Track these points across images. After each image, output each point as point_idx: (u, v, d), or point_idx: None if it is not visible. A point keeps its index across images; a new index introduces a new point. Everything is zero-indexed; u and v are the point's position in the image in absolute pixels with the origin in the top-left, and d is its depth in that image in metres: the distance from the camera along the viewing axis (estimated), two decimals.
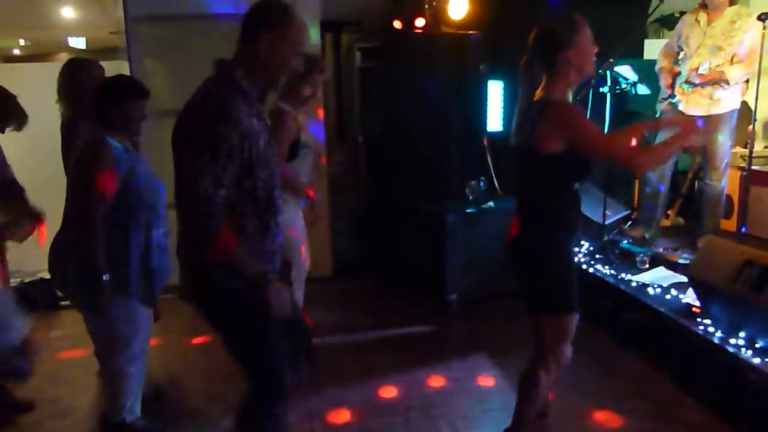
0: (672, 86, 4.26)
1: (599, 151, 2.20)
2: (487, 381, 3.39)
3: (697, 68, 4.08)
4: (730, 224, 4.46)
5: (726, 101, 4.08)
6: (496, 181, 4.89)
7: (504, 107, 5.05)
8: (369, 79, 5.26)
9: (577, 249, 4.43)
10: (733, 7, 4.07)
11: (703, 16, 4.14)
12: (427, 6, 4.87)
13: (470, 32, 4.80)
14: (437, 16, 4.88)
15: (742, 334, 2.90)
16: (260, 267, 1.86)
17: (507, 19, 5.15)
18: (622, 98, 4.59)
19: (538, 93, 2.25)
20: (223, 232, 1.75)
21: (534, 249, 2.29)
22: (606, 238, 4.35)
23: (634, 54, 5.74)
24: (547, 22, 2.24)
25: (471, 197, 4.62)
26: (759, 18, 3.68)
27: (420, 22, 4.88)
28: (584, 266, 4.17)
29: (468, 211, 4.48)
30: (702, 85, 4.08)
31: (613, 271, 4.01)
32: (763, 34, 3.67)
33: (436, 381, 3.38)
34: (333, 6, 5.01)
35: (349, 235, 5.32)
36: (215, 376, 3.42)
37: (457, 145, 4.79)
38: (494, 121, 5.01)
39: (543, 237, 2.28)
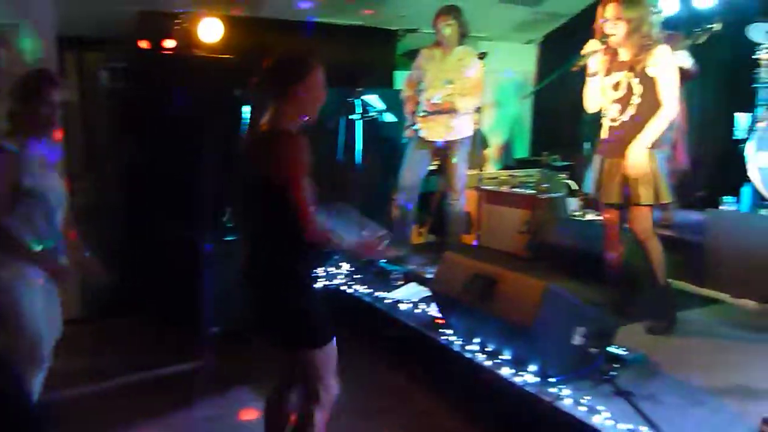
0: (414, 113, 4.64)
1: (295, 195, 2.09)
2: (250, 414, 3.30)
3: (433, 98, 4.50)
4: (470, 238, 4.96)
5: (460, 129, 4.55)
6: None
7: None
8: (118, 102, 4.90)
9: (337, 271, 4.56)
10: (462, 47, 4.56)
11: (438, 52, 4.59)
12: (176, 27, 4.68)
13: (224, 56, 4.72)
14: (188, 38, 4.71)
15: (476, 340, 3.20)
16: None
17: (264, 44, 5.18)
18: (372, 125, 4.87)
19: (264, 123, 2.22)
20: None
21: (273, 284, 2.22)
22: (363, 259, 4.54)
23: (385, 84, 6.16)
24: (283, 55, 2.27)
25: (229, 224, 4.51)
26: (479, 57, 4.25)
27: (169, 43, 4.67)
28: (343, 287, 4.30)
29: (227, 239, 4.37)
30: (438, 113, 4.50)
31: (370, 290, 4.19)
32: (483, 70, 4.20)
33: (197, 422, 3.20)
34: (74, 21, 4.58)
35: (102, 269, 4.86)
36: None
37: (213, 170, 4.64)
38: None
39: (279, 271, 2.22)
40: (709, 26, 4.06)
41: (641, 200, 3.21)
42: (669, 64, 3.16)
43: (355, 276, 4.46)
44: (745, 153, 4.04)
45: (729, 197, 4.33)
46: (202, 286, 4.16)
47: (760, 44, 4.27)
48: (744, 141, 4.17)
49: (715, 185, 5.30)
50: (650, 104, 3.19)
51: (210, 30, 4.63)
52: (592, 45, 3.32)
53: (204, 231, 4.38)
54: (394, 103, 4.92)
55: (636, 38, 3.16)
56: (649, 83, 3.19)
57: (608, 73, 3.34)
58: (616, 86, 3.30)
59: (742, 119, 4.35)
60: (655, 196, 3.20)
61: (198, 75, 4.59)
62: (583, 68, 3.37)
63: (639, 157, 3.17)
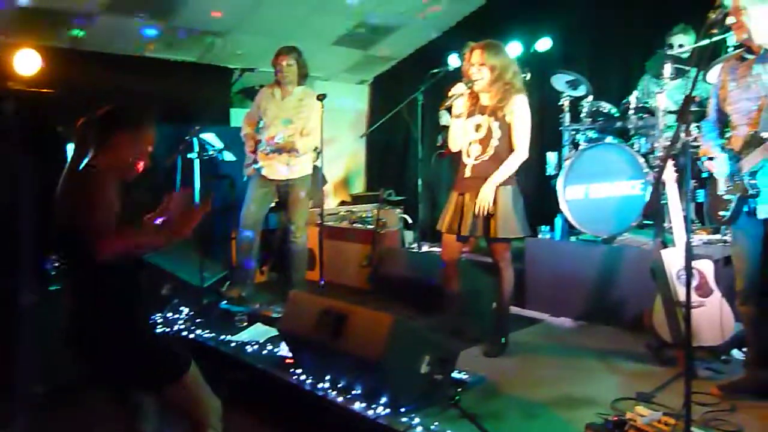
0: (255, 152, 4.62)
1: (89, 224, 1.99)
2: None
3: (274, 137, 4.52)
4: (314, 275, 5.00)
5: (300, 167, 4.61)
6: None
7: None
8: None
9: (177, 316, 4.35)
10: (301, 87, 4.66)
11: (278, 91, 4.63)
12: None
13: (43, 90, 4.37)
14: (2, 70, 4.31)
15: (327, 377, 3.22)
16: None
17: (92, 78, 4.87)
18: (212, 164, 4.77)
19: (82, 167, 2.12)
20: None
21: (105, 334, 2.10)
22: (205, 301, 4.39)
23: (221, 122, 6.07)
24: (119, 104, 2.20)
25: (53, 272, 4.13)
26: (318, 98, 4.37)
27: None
28: (185, 332, 4.10)
29: (51, 288, 3.99)
30: (279, 152, 4.53)
31: (213, 334, 4.04)
32: (322, 111, 4.32)
33: None
34: None
35: None
36: None
37: (30, 215, 4.23)
38: None
39: (110, 318, 2.11)
40: (523, 76, 4.56)
41: (498, 234, 3.48)
42: (525, 112, 3.48)
43: (196, 320, 4.27)
44: (556, 187, 4.54)
45: (544, 226, 4.83)
46: (19, 343, 3.75)
47: (562, 92, 4.87)
48: (555, 177, 4.70)
49: (533, 216, 5.88)
50: (506, 146, 3.50)
51: (26, 61, 4.27)
52: (458, 88, 3.55)
53: (22, 281, 3.96)
54: (232, 141, 4.87)
55: (499, 85, 3.45)
56: (506, 128, 3.49)
57: (470, 114, 3.59)
58: (477, 128, 3.56)
59: (551, 158, 4.89)
60: (510, 230, 3.50)
61: (14, 109, 4.20)
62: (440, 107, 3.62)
63: (488, 194, 3.46)
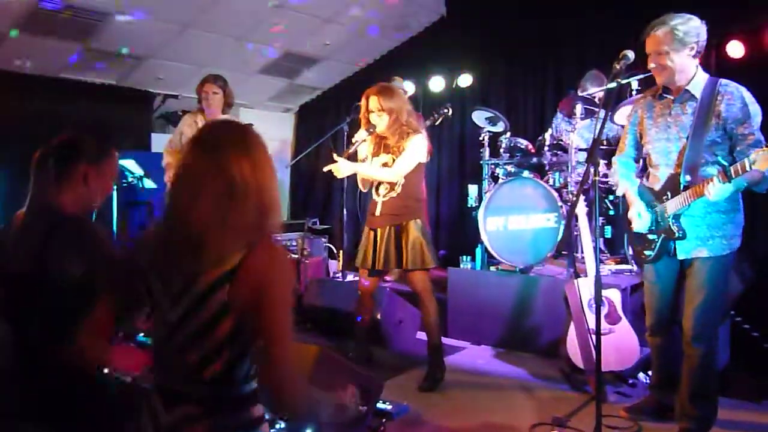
0: None
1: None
2: None
3: None
4: None
5: None
6: None
7: (4, 199, 4.48)
8: None
9: None
10: (226, 116, 4.61)
11: (201, 119, 4.56)
12: None
13: None
14: None
15: None
16: None
17: (5, 100, 4.67)
18: (131, 190, 4.64)
19: (47, 202, 1.97)
20: None
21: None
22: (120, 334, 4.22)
23: (142, 146, 5.92)
24: (81, 133, 2.06)
25: None
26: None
27: None
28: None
29: None
30: None
31: None
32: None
33: None
34: None
35: None
36: None
37: None
38: None
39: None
40: (444, 111, 4.72)
41: (409, 266, 3.55)
42: (416, 149, 3.54)
43: None
44: (477, 219, 4.70)
45: (466, 256, 4.98)
46: None
47: (482, 128, 5.07)
48: (476, 208, 4.87)
49: (455, 246, 6.05)
50: (413, 184, 3.58)
51: None
52: (361, 134, 3.65)
53: None
54: (153, 166, 4.76)
55: (396, 126, 3.53)
56: None
57: (376, 154, 3.67)
58: (384, 166, 3.64)
59: (472, 190, 5.07)
60: (422, 261, 3.56)
61: None
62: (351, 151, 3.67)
63: (343, 168, 3.57)
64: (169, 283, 1.43)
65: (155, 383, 1.50)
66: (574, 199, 2.93)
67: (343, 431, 2.86)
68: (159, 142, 6.04)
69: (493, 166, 5.02)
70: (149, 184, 4.54)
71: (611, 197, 4.65)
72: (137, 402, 1.79)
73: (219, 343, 1.39)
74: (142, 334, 4.28)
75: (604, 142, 4.53)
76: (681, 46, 2.72)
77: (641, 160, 3.13)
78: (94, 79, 5.71)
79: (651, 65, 2.81)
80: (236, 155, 1.43)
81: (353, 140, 3.68)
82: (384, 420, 3.04)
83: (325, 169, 3.64)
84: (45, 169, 2.00)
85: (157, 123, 6.38)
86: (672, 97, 2.87)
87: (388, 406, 3.22)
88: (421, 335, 3.89)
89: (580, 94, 4.71)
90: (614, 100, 3.76)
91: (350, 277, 5.52)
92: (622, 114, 4.30)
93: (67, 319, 1.70)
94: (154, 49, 5.61)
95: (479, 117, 5.11)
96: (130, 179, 4.37)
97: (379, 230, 3.63)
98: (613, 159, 3.16)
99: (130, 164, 4.41)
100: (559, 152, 4.72)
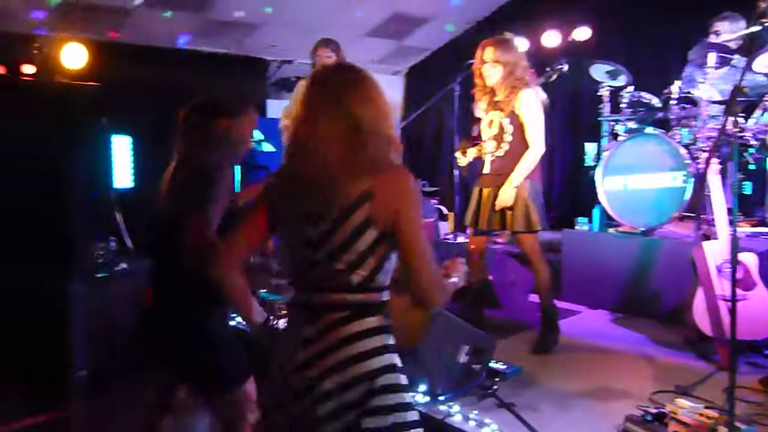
0: None
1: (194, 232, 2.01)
2: None
3: None
4: None
5: None
6: (128, 241, 4.61)
7: (134, 162, 4.84)
8: None
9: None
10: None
11: None
12: (35, 52, 4.39)
13: (90, 83, 4.49)
14: (49, 64, 4.44)
15: None
16: None
17: (132, 71, 4.99)
18: (250, 154, 4.84)
19: (194, 155, 2.17)
20: None
21: (181, 326, 2.15)
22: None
23: (258, 113, 6.14)
24: (218, 95, 2.27)
25: (100, 261, 4.26)
26: None
27: (28, 68, 4.37)
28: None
29: (97, 276, 4.11)
30: None
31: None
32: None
33: None
34: None
35: None
36: None
37: (77, 205, 4.36)
38: (123, 177, 4.76)
39: (188, 312, 2.14)
40: (559, 66, 4.51)
41: (516, 228, 3.48)
42: (534, 107, 3.44)
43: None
44: (595, 178, 4.50)
45: (582, 218, 4.80)
46: (68, 330, 3.89)
47: (601, 82, 4.81)
48: (593, 168, 4.66)
49: (570, 207, 5.85)
50: (520, 141, 3.47)
51: (73, 55, 4.40)
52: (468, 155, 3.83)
53: (70, 270, 4.10)
54: (269, 132, 4.94)
55: (510, 81, 3.43)
56: (517, 123, 3.47)
57: (486, 111, 3.60)
58: (490, 124, 3.56)
59: (590, 148, 4.85)
60: (528, 224, 3.46)
61: (60, 102, 4.33)
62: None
63: (509, 195, 3.44)
64: (308, 209, 1.57)
65: (297, 301, 1.65)
66: (707, 155, 2.73)
67: (455, 384, 2.91)
68: (274, 108, 6.25)
69: (613, 123, 4.76)
70: (267, 147, 4.73)
71: (750, 150, 4.23)
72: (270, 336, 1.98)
73: (363, 253, 1.54)
74: (264, 291, 4.54)
75: (745, 90, 4.12)
76: None
77: None
78: (211, 48, 5.98)
79: None
80: (357, 98, 1.58)
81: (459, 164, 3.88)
82: (497, 379, 3.05)
83: (498, 207, 3.50)
84: (190, 125, 2.19)
85: (272, 89, 6.59)
86: None
87: (501, 366, 3.23)
88: (535, 298, 3.82)
89: (712, 40, 4.33)
90: (758, 45, 3.40)
91: (461, 239, 5.50)
92: (763, 62, 3.92)
93: (203, 254, 1.86)
94: (266, 17, 5.76)
95: (598, 71, 4.84)
96: None
97: (485, 190, 3.58)
98: None
99: None
100: (687, 105, 4.38)
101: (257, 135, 4.62)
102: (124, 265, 4.27)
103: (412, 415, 1.60)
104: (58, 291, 3.91)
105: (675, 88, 4.40)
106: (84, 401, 3.82)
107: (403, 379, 1.61)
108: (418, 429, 1.61)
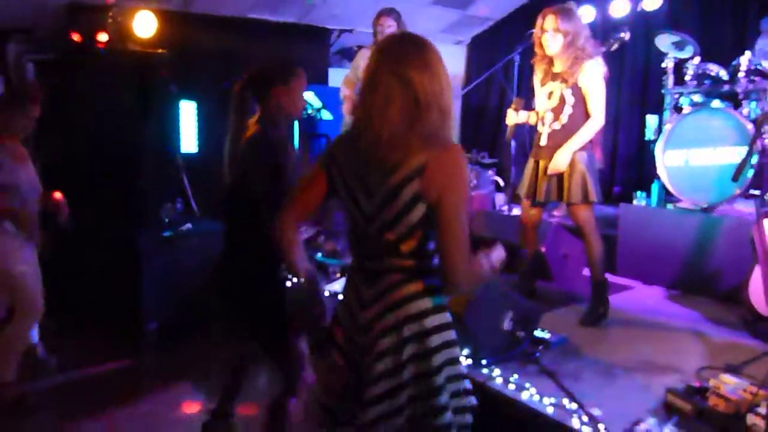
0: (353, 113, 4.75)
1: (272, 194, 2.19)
2: (192, 408, 3.36)
3: None
4: None
5: None
6: (193, 203, 4.85)
7: (199, 128, 5.05)
8: (48, 96, 4.76)
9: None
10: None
11: None
12: (110, 20, 4.62)
13: (159, 51, 4.70)
14: (121, 32, 4.66)
15: None
16: None
17: (198, 39, 5.17)
18: (310, 122, 4.97)
19: (252, 125, 2.38)
20: None
21: (248, 277, 2.38)
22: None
23: (319, 81, 6.25)
24: (268, 61, 2.45)
25: (167, 220, 4.51)
26: None
27: (102, 36, 4.60)
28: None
29: (164, 234, 4.36)
30: None
31: None
32: None
33: (138, 417, 3.22)
34: None
35: None
36: None
37: (148, 167, 4.62)
38: (189, 141, 4.98)
39: (254, 266, 2.37)
40: (621, 35, 4.39)
41: (571, 199, 3.44)
42: (597, 78, 3.38)
43: None
44: (655, 152, 4.40)
45: (640, 192, 4.70)
46: (139, 283, 4.16)
47: (666, 53, 4.65)
48: (654, 141, 4.54)
49: (629, 181, 5.73)
50: (581, 113, 3.42)
51: (144, 24, 4.60)
52: (511, 117, 3.74)
53: (141, 227, 4.36)
54: (330, 100, 5.04)
55: (571, 51, 3.36)
56: (579, 94, 3.41)
57: (543, 82, 3.55)
58: (549, 95, 3.51)
59: (651, 121, 4.71)
60: (584, 195, 3.43)
61: (132, 70, 4.56)
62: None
63: (563, 160, 3.40)
64: (364, 180, 1.67)
65: (356, 265, 1.78)
66: None
67: (498, 351, 2.97)
68: (335, 76, 6.32)
69: (677, 96, 4.60)
70: (327, 116, 4.84)
71: None
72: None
73: (412, 225, 1.65)
74: (321, 254, 4.70)
75: None
76: None
77: None
78: (276, 17, 6.09)
79: None
80: (417, 69, 1.62)
81: (506, 121, 3.75)
82: (541, 347, 3.09)
83: (550, 171, 3.48)
84: (244, 98, 2.39)
85: (334, 58, 6.67)
86: None
87: (546, 335, 3.26)
88: (588, 272, 3.80)
89: None
90: None
91: (516, 211, 5.49)
92: None
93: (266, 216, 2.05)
94: None
95: (664, 41, 4.68)
96: (309, 111, 4.69)
97: (542, 162, 3.55)
98: None
99: (309, 96, 4.72)
100: (757, 78, 4.19)
101: (316, 103, 4.72)
102: (189, 226, 4.50)
103: (460, 369, 1.74)
104: (131, 241, 4.18)
105: (744, 60, 4.21)
106: (154, 352, 4.12)
107: (454, 335, 1.73)
108: (466, 380, 1.74)
